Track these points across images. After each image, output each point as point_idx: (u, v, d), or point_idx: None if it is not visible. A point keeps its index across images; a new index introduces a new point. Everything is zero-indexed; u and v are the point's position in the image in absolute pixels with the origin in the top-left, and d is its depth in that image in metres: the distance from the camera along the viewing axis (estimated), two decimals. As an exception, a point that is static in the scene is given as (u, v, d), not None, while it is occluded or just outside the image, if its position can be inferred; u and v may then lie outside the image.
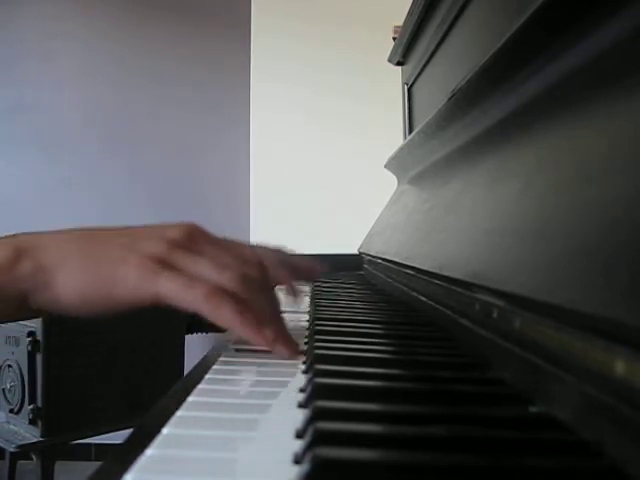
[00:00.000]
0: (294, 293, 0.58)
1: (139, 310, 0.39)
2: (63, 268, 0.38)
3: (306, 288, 0.77)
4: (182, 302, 0.38)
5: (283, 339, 0.41)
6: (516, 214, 0.40)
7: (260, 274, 0.42)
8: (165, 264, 0.39)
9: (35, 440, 1.51)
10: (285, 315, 0.45)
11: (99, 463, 0.26)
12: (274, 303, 0.43)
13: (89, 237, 0.41)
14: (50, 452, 1.56)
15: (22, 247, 0.38)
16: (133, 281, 0.38)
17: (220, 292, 0.38)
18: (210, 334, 1.82)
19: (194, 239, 0.42)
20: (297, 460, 0.25)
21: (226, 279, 0.39)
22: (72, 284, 0.38)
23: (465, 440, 0.26)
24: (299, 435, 0.27)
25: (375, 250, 0.95)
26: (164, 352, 1.74)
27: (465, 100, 0.65)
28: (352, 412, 0.29)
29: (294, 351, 0.42)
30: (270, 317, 0.41)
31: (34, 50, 2.64)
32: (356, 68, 2.44)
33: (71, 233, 0.42)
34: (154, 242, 0.40)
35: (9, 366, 1.58)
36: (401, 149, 1.06)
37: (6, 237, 0.41)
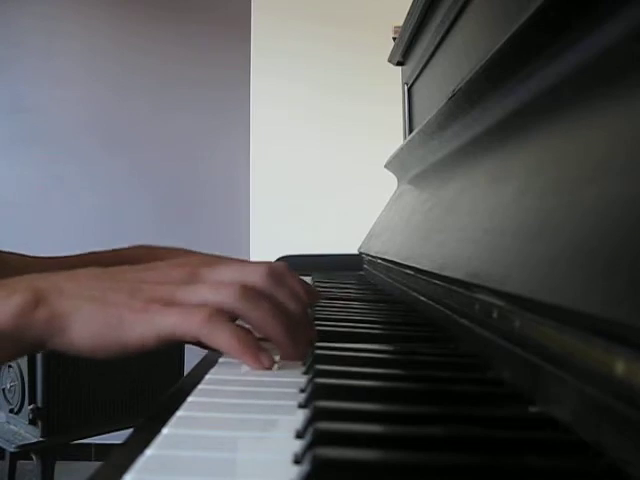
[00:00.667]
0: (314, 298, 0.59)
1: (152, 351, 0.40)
2: (76, 316, 0.40)
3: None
4: (182, 333, 0.39)
5: (290, 348, 0.42)
6: (516, 214, 0.40)
7: (263, 280, 0.43)
8: (167, 304, 0.40)
9: (35, 440, 1.51)
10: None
11: (99, 463, 0.26)
12: (281, 309, 0.43)
13: (98, 282, 0.43)
14: (50, 452, 1.56)
15: (39, 293, 0.40)
16: (138, 326, 0.39)
17: (216, 316, 0.39)
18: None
19: (197, 276, 0.43)
20: (297, 460, 0.25)
21: (224, 296, 0.40)
22: (85, 331, 0.40)
23: (465, 440, 0.26)
24: (299, 435, 0.27)
25: (375, 250, 0.95)
26: (164, 352, 1.74)
27: (465, 100, 0.65)
28: (352, 412, 0.29)
29: (301, 356, 0.42)
30: (274, 326, 0.41)
31: (34, 50, 2.65)
32: (356, 67, 2.44)
33: (81, 276, 0.43)
34: (156, 285, 0.42)
35: (9, 366, 1.58)
36: (401, 149, 1.06)
37: (23, 279, 0.42)
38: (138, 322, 0.39)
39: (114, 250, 0.72)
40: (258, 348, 0.40)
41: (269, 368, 0.40)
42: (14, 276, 0.45)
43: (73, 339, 0.40)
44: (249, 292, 0.41)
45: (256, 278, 0.43)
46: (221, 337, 0.38)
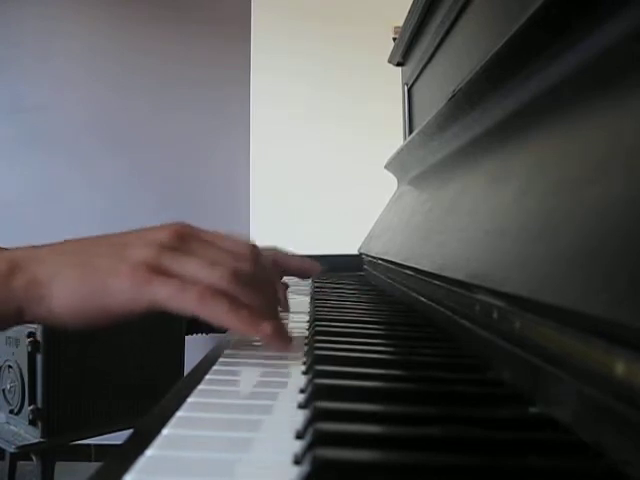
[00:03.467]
0: (284, 304, 0.58)
1: (136, 318, 0.39)
2: (57, 282, 0.38)
3: (306, 288, 0.77)
4: (176, 307, 0.38)
5: (277, 333, 0.41)
6: (516, 215, 0.40)
7: (252, 266, 0.42)
8: (156, 270, 0.39)
9: (35, 441, 1.51)
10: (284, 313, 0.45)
11: (99, 463, 0.26)
12: (268, 295, 0.43)
13: (80, 248, 0.41)
14: (50, 453, 1.56)
15: (16, 261, 0.39)
16: (126, 291, 0.38)
17: (212, 292, 0.38)
18: (210, 335, 1.82)
19: (183, 239, 0.42)
20: (297, 461, 0.25)
21: (217, 277, 0.39)
22: (66, 297, 0.38)
23: (465, 441, 0.26)
24: (299, 436, 0.27)
25: (375, 251, 0.95)
26: (164, 352, 1.74)
27: (465, 101, 0.65)
28: (352, 413, 0.29)
29: (287, 345, 0.42)
30: (264, 311, 0.41)
31: (34, 50, 2.65)
32: (357, 66, 2.44)
33: (63, 245, 0.42)
34: (143, 248, 0.40)
35: (9, 367, 1.58)
36: (401, 150, 1.06)
37: None
38: (126, 289, 0.38)
39: None
40: (256, 317, 0.39)
41: (270, 336, 0.39)
42: None
43: (53, 306, 0.38)
44: (240, 275, 0.40)
45: (245, 264, 0.42)
46: (219, 312, 0.38)
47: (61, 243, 0.42)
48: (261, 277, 0.43)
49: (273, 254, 0.56)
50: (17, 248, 0.41)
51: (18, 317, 0.39)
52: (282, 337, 0.41)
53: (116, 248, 0.40)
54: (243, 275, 0.41)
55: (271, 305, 0.43)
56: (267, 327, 0.39)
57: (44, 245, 0.42)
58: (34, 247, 0.41)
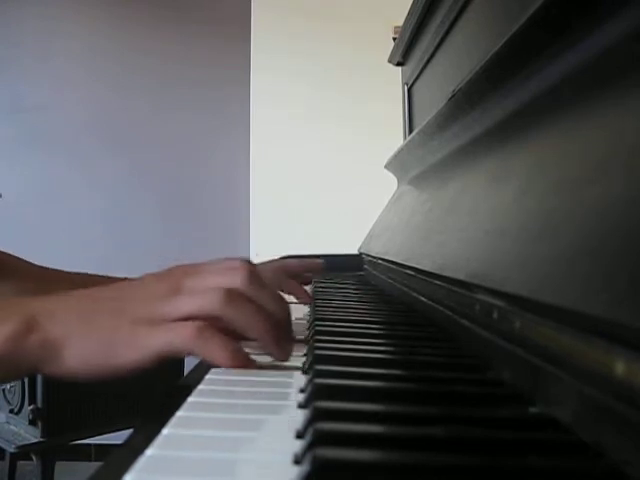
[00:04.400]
0: (307, 299, 0.60)
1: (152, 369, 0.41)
2: (68, 342, 0.40)
3: (306, 288, 0.77)
4: (175, 351, 0.40)
5: (276, 349, 0.42)
6: (516, 215, 0.40)
7: (245, 285, 0.43)
8: (154, 321, 0.41)
9: (35, 440, 1.51)
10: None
11: (99, 463, 0.26)
12: (264, 310, 0.43)
13: (86, 306, 0.43)
14: (50, 452, 1.56)
15: (31, 319, 0.40)
16: (130, 347, 0.40)
17: (205, 330, 0.39)
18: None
19: (177, 283, 0.43)
20: (297, 460, 0.25)
21: (207, 303, 0.40)
22: (77, 356, 0.40)
23: (465, 441, 0.26)
24: (299, 435, 0.27)
25: (375, 251, 0.95)
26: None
27: (465, 100, 0.65)
28: (352, 412, 0.29)
29: (285, 356, 0.43)
30: (259, 328, 0.41)
31: (34, 50, 2.65)
32: (357, 66, 2.44)
33: (71, 300, 0.44)
34: (142, 303, 0.42)
35: (9, 366, 1.58)
36: (401, 150, 1.06)
37: (14, 302, 0.43)
38: (129, 345, 0.40)
39: (103, 276, 0.74)
40: (247, 359, 0.41)
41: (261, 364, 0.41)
42: (11, 279, 0.45)
43: (66, 364, 0.40)
44: (231, 296, 0.41)
45: (237, 282, 0.42)
46: (213, 351, 0.39)
47: (70, 297, 0.44)
48: (259, 292, 0.43)
49: (281, 263, 0.58)
50: (31, 299, 0.44)
51: (31, 372, 0.42)
52: (280, 351, 0.43)
53: (116, 305, 0.42)
54: (234, 294, 0.41)
55: (271, 317, 0.43)
56: (255, 364, 0.41)
57: (56, 297, 0.44)
58: (47, 298, 0.43)
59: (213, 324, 0.40)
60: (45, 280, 0.72)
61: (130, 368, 0.40)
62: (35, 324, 0.40)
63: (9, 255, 0.75)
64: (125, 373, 0.40)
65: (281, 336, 0.42)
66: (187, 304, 0.41)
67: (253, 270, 0.44)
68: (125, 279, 0.71)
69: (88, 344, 0.40)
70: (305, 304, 0.71)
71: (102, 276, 0.74)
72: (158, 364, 0.40)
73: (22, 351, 0.40)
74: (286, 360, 0.43)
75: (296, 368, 0.41)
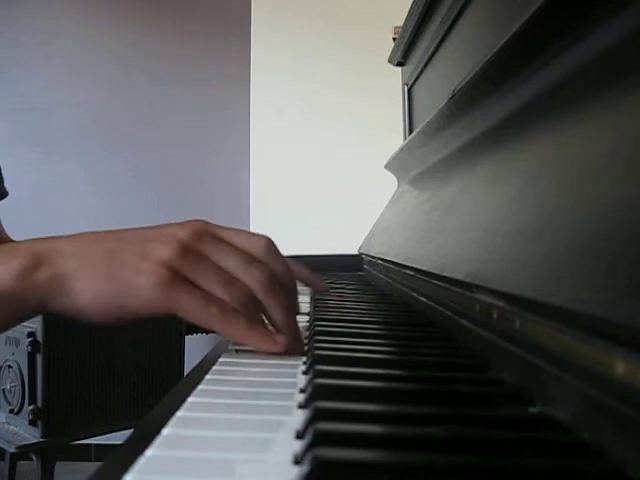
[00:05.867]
0: (321, 287, 0.58)
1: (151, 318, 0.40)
2: (80, 276, 0.39)
3: (306, 288, 0.77)
4: (197, 320, 0.39)
5: (292, 343, 0.43)
6: (517, 215, 0.40)
7: (269, 266, 0.43)
8: (178, 276, 0.39)
9: (35, 441, 1.51)
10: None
11: (99, 463, 0.26)
12: (288, 293, 0.44)
13: (103, 242, 0.41)
14: (50, 452, 1.56)
15: (39, 254, 0.39)
16: (148, 293, 0.39)
17: (232, 310, 0.40)
18: (210, 334, 1.82)
19: (202, 238, 0.42)
20: (297, 460, 0.25)
21: (233, 297, 0.41)
22: (89, 293, 0.39)
23: (465, 441, 0.26)
24: (299, 435, 0.27)
25: (375, 251, 0.95)
26: (164, 352, 1.74)
27: (465, 100, 0.65)
28: (352, 413, 0.29)
29: (300, 351, 0.44)
30: (283, 318, 0.42)
31: (34, 50, 2.65)
32: (358, 63, 2.44)
33: (85, 238, 0.42)
34: (164, 245, 0.41)
35: (9, 367, 1.58)
36: (401, 150, 1.06)
37: (22, 242, 0.41)
38: (148, 288, 0.38)
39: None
40: (271, 335, 0.41)
41: (283, 349, 0.41)
42: None
43: (75, 300, 0.39)
44: (270, 284, 0.41)
45: (259, 274, 0.42)
46: (238, 330, 0.40)
47: (82, 235, 0.42)
48: (280, 274, 0.44)
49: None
50: (38, 239, 0.42)
51: (41, 309, 0.40)
52: (296, 346, 0.43)
53: (138, 244, 0.41)
54: (261, 281, 0.41)
55: (291, 307, 0.44)
56: (282, 343, 0.41)
57: (64, 236, 0.42)
58: (54, 238, 0.42)
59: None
60: None
61: (143, 313, 0.39)
62: (44, 259, 0.39)
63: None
64: (136, 317, 0.39)
65: (289, 306, 0.43)
66: (214, 284, 0.40)
67: (272, 244, 0.45)
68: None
69: (102, 281, 0.39)
70: (318, 290, 0.62)
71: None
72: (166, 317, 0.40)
73: (31, 286, 0.38)
74: (289, 332, 0.43)
75: (295, 368, 0.41)
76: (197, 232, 0.43)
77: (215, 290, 0.40)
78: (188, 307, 0.39)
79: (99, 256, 0.40)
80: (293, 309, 0.45)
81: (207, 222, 0.45)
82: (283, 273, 0.44)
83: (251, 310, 0.41)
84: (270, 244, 0.45)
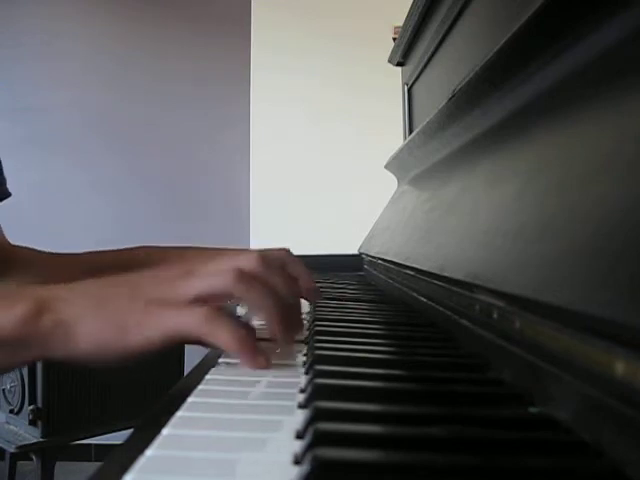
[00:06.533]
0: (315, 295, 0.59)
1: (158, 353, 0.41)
2: (81, 323, 0.40)
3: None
4: (184, 334, 0.40)
5: (281, 330, 0.43)
6: (517, 215, 0.40)
7: (253, 265, 0.44)
8: (167, 304, 0.41)
9: (35, 441, 1.51)
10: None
11: (99, 463, 0.26)
12: (274, 292, 0.44)
13: (100, 289, 0.43)
14: (50, 452, 1.56)
15: (43, 302, 0.40)
16: (142, 327, 0.40)
17: (215, 315, 0.39)
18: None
19: (192, 272, 0.44)
20: (297, 460, 0.25)
21: (219, 283, 0.41)
22: (90, 337, 0.40)
23: (465, 441, 0.26)
24: (299, 435, 0.28)
25: (375, 251, 0.95)
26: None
27: (465, 100, 0.65)
28: (352, 413, 0.29)
29: (290, 338, 0.44)
30: (267, 307, 0.42)
31: (34, 50, 2.65)
32: (358, 62, 2.43)
33: (85, 286, 0.44)
34: (156, 286, 0.42)
35: (9, 366, 1.58)
36: (401, 150, 1.06)
37: (25, 288, 0.43)
38: (141, 325, 0.40)
39: (120, 250, 0.74)
40: (255, 348, 0.40)
41: (264, 367, 0.40)
42: (26, 269, 0.45)
43: (78, 346, 0.40)
44: (242, 275, 0.42)
45: (249, 264, 0.43)
46: (221, 336, 0.39)
47: (83, 284, 0.44)
48: (269, 269, 0.44)
49: (283, 256, 0.57)
50: (40, 287, 0.43)
51: (44, 355, 0.42)
52: (286, 334, 0.43)
53: (130, 289, 0.43)
54: (245, 273, 0.42)
55: (283, 299, 0.44)
56: (262, 361, 0.40)
57: (66, 286, 0.44)
58: (55, 287, 0.43)
59: (224, 312, 0.40)
60: (56, 265, 0.73)
61: (140, 350, 0.40)
62: (48, 306, 0.40)
63: (27, 248, 0.76)
64: (135, 355, 0.40)
65: (288, 319, 0.43)
66: (199, 284, 0.41)
67: (265, 255, 0.45)
68: (132, 249, 0.72)
69: (100, 324, 0.40)
70: (309, 298, 0.62)
71: (108, 250, 0.74)
72: (166, 347, 0.40)
73: (34, 332, 0.39)
74: (291, 342, 0.43)
75: (295, 368, 0.41)
76: (186, 270, 0.44)
77: (196, 289, 0.41)
78: (170, 325, 0.40)
79: (96, 302, 0.41)
80: (289, 314, 0.45)
81: (200, 257, 0.47)
82: (279, 283, 0.44)
83: (240, 291, 0.41)
84: (260, 257, 0.45)
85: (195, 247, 0.66)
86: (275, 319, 0.42)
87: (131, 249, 0.74)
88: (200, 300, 0.41)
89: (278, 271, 0.45)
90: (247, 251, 0.46)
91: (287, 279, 0.46)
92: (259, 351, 0.40)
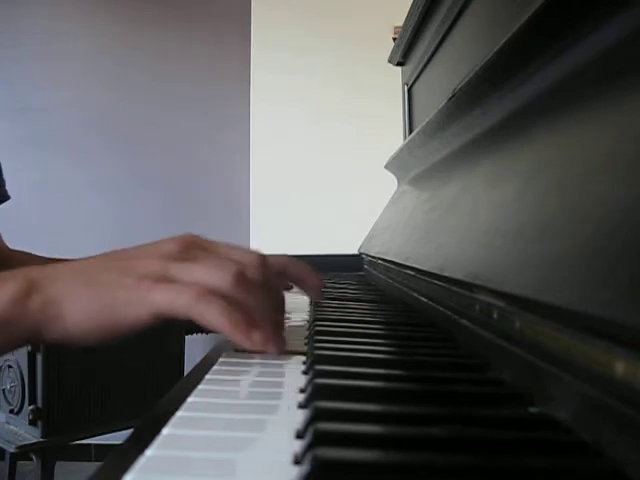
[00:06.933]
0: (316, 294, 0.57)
1: (147, 329, 0.40)
2: (70, 301, 0.39)
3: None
4: (175, 311, 0.38)
5: (273, 340, 0.41)
6: (517, 215, 0.40)
7: (257, 273, 0.42)
8: (160, 279, 0.40)
9: (35, 440, 1.51)
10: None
11: (99, 463, 0.26)
12: (271, 301, 0.43)
13: (89, 266, 0.42)
14: (50, 452, 1.56)
15: (32, 281, 0.40)
16: (131, 303, 0.39)
17: (208, 294, 0.38)
18: (210, 335, 1.82)
19: (189, 249, 0.43)
20: (297, 460, 0.25)
21: (218, 280, 0.40)
22: (79, 314, 0.39)
23: (465, 441, 0.26)
24: (299, 435, 0.27)
25: (375, 250, 0.95)
26: (164, 352, 1.74)
27: (465, 100, 0.65)
28: (352, 412, 0.29)
29: (282, 350, 0.42)
30: (264, 316, 0.41)
31: (34, 50, 2.65)
32: (358, 63, 2.43)
33: (74, 263, 0.43)
34: (148, 261, 0.41)
35: (9, 367, 1.58)
36: (401, 150, 1.06)
37: (16, 270, 0.42)
38: (131, 300, 0.39)
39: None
40: (249, 325, 0.39)
41: (259, 346, 0.39)
42: None
43: (68, 324, 0.39)
44: (243, 279, 0.40)
45: (249, 265, 0.42)
46: (211, 314, 0.38)
47: (72, 261, 0.43)
48: (266, 284, 0.43)
49: (284, 261, 0.55)
50: (29, 268, 0.42)
51: (34, 336, 0.41)
52: (275, 343, 0.41)
53: (122, 263, 0.41)
54: (246, 280, 0.41)
55: (273, 309, 0.44)
56: (258, 336, 0.39)
57: (56, 263, 0.43)
58: (47, 267, 0.42)
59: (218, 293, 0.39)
60: None
61: (131, 326, 0.39)
62: (36, 286, 0.39)
63: (25, 253, 0.76)
64: (125, 333, 0.40)
65: (275, 330, 0.42)
66: (196, 273, 0.40)
67: (264, 258, 0.44)
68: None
69: (89, 301, 0.39)
70: (312, 296, 0.61)
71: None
72: (158, 324, 0.39)
73: (23, 313, 0.39)
74: (276, 353, 0.41)
75: (296, 368, 0.41)
76: (183, 244, 0.43)
77: (197, 276, 0.40)
78: (163, 301, 0.38)
79: (85, 279, 0.40)
80: (277, 315, 0.44)
81: (196, 235, 0.45)
82: (268, 285, 0.43)
83: (237, 294, 0.40)
84: (262, 260, 0.44)
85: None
86: (267, 327, 0.40)
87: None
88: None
89: (271, 279, 0.44)
90: (244, 248, 0.44)
91: (276, 288, 0.44)
92: (253, 328, 0.39)
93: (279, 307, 0.46)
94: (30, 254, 0.76)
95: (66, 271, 0.42)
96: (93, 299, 0.39)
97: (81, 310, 0.39)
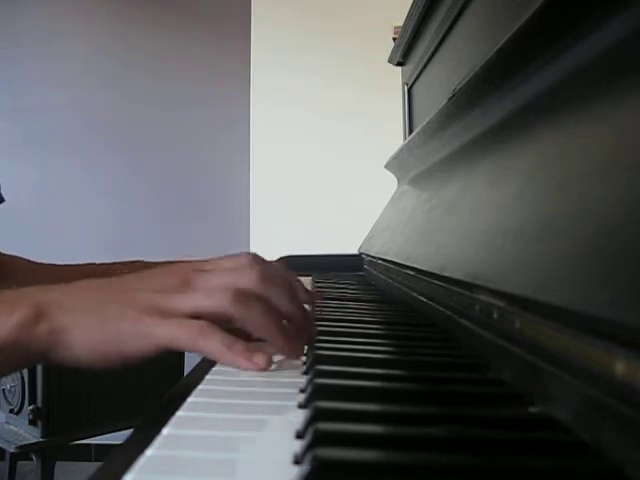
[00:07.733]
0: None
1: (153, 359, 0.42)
2: (76, 330, 0.41)
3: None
4: (177, 345, 0.40)
5: (286, 347, 0.43)
6: (517, 215, 0.40)
7: (252, 282, 0.43)
8: (160, 312, 0.41)
9: (35, 440, 1.51)
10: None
11: (99, 463, 0.26)
12: (274, 309, 0.43)
13: (94, 294, 0.44)
14: (50, 452, 1.56)
15: (40, 307, 0.41)
16: (135, 336, 0.40)
17: (207, 328, 0.40)
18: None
19: (187, 282, 0.44)
20: (297, 460, 0.25)
21: (217, 302, 0.41)
22: (84, 344, 0.41)
23: (465, 441, 0.26)
24: (299, 435, 0.28)
25: (375, 250, 0.95)
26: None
27: (465, 100, 0.65)
28: (352, 413, 0.29)
29: (297, 353, 0.44)
30: (268, 326, 0.42)
31: (34, 50, 2.65)
32: (358, 63, 2.43)
33: (80, 289, 0.44)
34: (150, 294, 0.42)
35: (9, 366, 1.58)
36: (401, 150, 1.06)
37: (24, 292, 0.43)
38: (136, 333, 0.40)
39: (112, 263, 0.74)
40: (249, 351, 0.40)
41: (264, 368, 0.40)
42: (17, 279, 0.45)
43: (73, 352, 0.41)
44: (241, 295, 0.41)
45: (247, 281, 0.43)
46: (212, 347, 0.40)
47: (80, 286, 0.45)
48: (268, 284, 0.44)
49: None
50: (39, 288, 0.44)
51: (41, 358, 0.42)
52: (292, 353, 0.43)
53: (127, 294, 0.43)
54: (244, 293, 0.42)
55: (285, 315, 0.44)
56: (259, 360, 0.40)
57: (64, 287, 0.44)
58: (54, 289, 0.44)
59: (220, 323, 0.40)
60: (55, 277, 0.73)
61: (134, 357, 0.41)
62: (44, 312, 0.41)
63: (17, 257, 0.76)
64: (129, 362, 0.41)
65: (292, 333, 0.43)
66: (196, 301, 0.41)
67: (264, 267, 0.45)
68: (132, 262, 0.72)
69: (95, 332, 0.41)
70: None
71: (110, 263, 0.74)
72: (160, 354, 0.41)
73: (31, 339, 0.40)
74: (298, 358, 0.43)
75: (296, 368, 0.41)
76: (182, 276, 0.44)
77: (196, 304, 0.41)
78: (166, 337, 0.40)
79: (91, 308, 0.42)
80: (293, 330, 0.45)
81: (192, 264, 0.47)
82: (278, 298, 0.44)
83: (240, 312, 0.41)
84: (259, 272, 0.44)
85: (184, 261, 0.64)
86: (278, 337, 0.42)
87: (123, 263, 0.74)
88: (194, 317, 0.41)
89: (278, 286, 0.44)
90: (242, 262, 0.45)
91: (288, 291, 0.45)
92: (254, 352, 0.40)
93: (293, 307, 0.46)
94: (21, 258, 0.76)
95: (72, 298, 0.43)
96: (99, 330, 0.41)
97: (87, 340, 0.41)
